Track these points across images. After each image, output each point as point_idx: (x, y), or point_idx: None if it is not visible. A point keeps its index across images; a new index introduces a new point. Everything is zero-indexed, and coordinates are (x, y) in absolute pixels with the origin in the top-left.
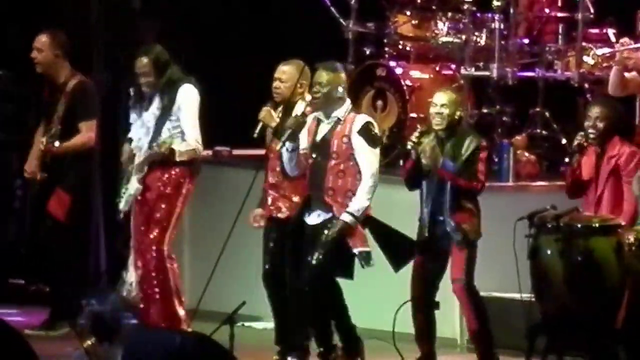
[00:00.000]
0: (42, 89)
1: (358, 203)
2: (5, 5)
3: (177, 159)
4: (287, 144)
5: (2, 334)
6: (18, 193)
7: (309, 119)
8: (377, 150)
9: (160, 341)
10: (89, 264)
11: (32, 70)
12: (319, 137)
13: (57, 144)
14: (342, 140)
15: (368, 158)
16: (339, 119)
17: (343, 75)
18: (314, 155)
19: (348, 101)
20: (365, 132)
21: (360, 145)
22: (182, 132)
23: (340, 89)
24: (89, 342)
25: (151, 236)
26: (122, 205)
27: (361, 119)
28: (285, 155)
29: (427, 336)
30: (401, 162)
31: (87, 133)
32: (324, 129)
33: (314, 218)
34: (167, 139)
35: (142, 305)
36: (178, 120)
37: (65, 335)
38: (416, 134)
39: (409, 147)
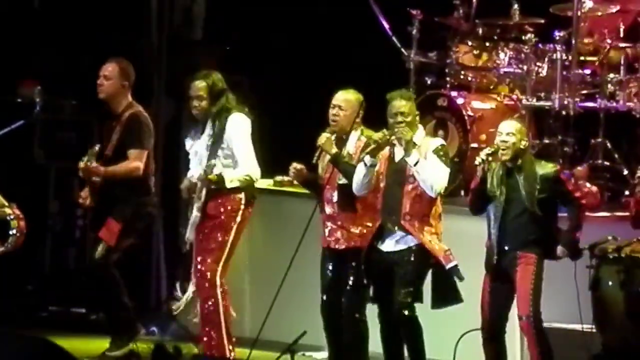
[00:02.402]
0: (103, 117)
1: (425, 165)
2: (68, 34)
3: (228, 185)
4: (367, 158)
5: None
6: (79, 222)
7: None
8: (448, 170)
9: None
10: (151, 292)
11: (94, 98)
12: (394, 163)
13: (94, 164)
14: None
15: (442, 169)
16: (414, 143)
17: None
18: (388, 181)
19: (421, 126)
20: (440, 151)
21: (435, 160)
22: (236, 162)
23: (417, 116)
24: None
25: (204, 266)
26: (187, 234)
27: (436, 142)
28: (361, 170)
29: None
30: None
31: (134, 162)
32: (399, 154)
33: (388, 244)
34: (212, 162)
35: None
36: (230, 149)
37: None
38: (487, 150)
39: (476, 162)
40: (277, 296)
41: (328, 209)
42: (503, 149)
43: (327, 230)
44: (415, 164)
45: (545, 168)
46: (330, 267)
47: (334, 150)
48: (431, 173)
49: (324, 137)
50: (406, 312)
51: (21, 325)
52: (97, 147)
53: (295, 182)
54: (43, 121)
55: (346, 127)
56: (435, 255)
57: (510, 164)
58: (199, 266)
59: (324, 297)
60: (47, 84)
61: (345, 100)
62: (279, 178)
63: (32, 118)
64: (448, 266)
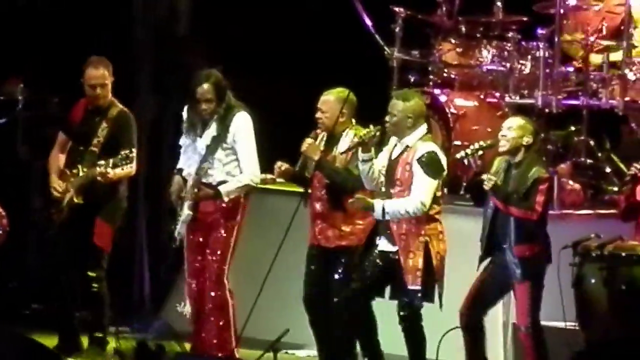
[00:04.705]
0: (68, 111)
1: (391, 205)
2: (52, 30)
3: (225, 199)
4: (360, 154)
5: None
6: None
7: (391, 141)
8: (435, 182)
9: None
10: (134, 289)
11: (77, 94)
12: (390, 161)
13: (110, 171)
14: (405, 167)
15: (421, 183)
16: (407, 146)
17: (416, 104)
18: (382, 180)
19: (421, 129)
20: (425, 160)
21: (417, 172)
22: (237, 160)
23: (411, 119)
24: None
25: (213, 268)
26: (176, 232)
27: (424, 147)
28: (360, 166)
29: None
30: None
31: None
32: (395, 154)
33: (383, 243)
34: (206, 166)
35: (195, 328)
36: (232, 149)
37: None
38: (475, 145)
39: (458, 156)
40: (260, 294)
41: (318, 207)
42: (501, 143)
43: (317, 228)
44: (383, 214)
45: (539, 171)
46: (317, 265)
47: (317, 155)
48: (403, 206)
49: (306, 144)
50: (404, 312)
51: (3, 322)
52: (96, 152)
53: (278, 179)
54: (26, 118)
55: (331, 127)
56: (402, 269)
57: (511, 159)
58: (205, 268)
59: (309, 293)
60: (30, 80)
61: (323, 102)
62: (262, 176)
63: (14, 115)
64: (409, 287)
